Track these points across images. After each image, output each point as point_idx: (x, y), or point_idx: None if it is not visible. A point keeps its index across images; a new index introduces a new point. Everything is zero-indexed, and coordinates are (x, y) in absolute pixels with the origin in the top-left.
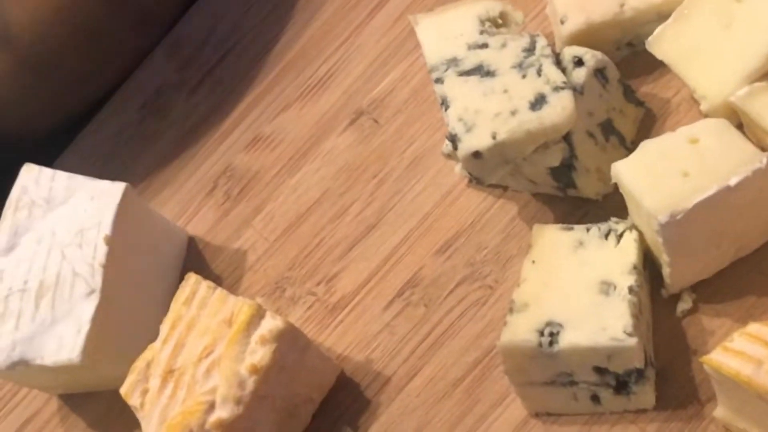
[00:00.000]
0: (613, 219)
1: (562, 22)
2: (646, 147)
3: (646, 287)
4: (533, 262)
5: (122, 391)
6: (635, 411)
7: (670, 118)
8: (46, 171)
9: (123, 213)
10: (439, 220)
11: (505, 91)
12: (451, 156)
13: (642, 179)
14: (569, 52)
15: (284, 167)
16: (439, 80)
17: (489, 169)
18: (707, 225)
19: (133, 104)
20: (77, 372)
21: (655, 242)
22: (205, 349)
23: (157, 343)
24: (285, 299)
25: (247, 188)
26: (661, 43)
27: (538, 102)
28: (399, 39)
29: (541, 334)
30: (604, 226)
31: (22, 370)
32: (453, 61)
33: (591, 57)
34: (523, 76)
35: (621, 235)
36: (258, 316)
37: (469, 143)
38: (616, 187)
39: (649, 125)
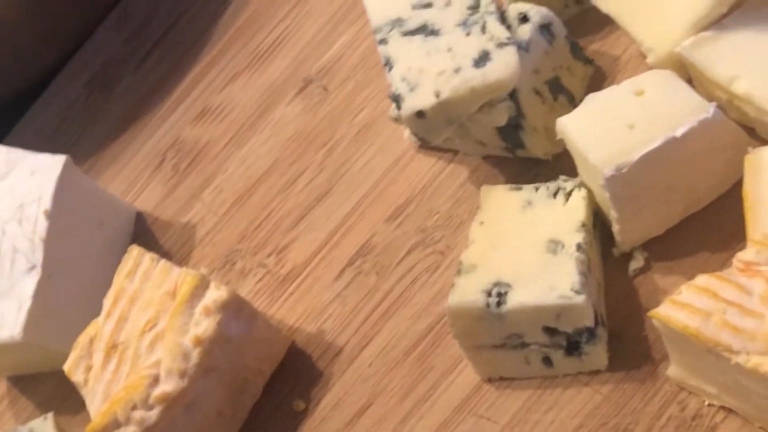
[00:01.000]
0: (562, 177)
1: None
2: (591, 100)
3: (596, 246)
4: (481, 223)
5: (65, 367)
6: (588, 373)
7: (619, 75)
8: None
9: (64, 187)
10: (390, 186)
11: (450, 49)
12: (398, 120)
13: (587, 133)
14: (514, 9)
15: (233, 139)
16: (383, 41)
17: (434, 128)
18: (655, 179)
19: (81, 79)
20: (21, 351)
21: (603, 198)
22: (149, 323)
23: (101, 318)
24: (235, 272)
25: (195, 161)
26: None
27: (482, 59)
28: (347, 5)
29: (489, 294)
30: (552, 185)
31: None
32: (397, 22)
33: (536, 13)
34: (468, 34)
35: (570, 194)
36: (202, 287)
37: (413, 102)
38: (565, 147)
39: (598, 83)
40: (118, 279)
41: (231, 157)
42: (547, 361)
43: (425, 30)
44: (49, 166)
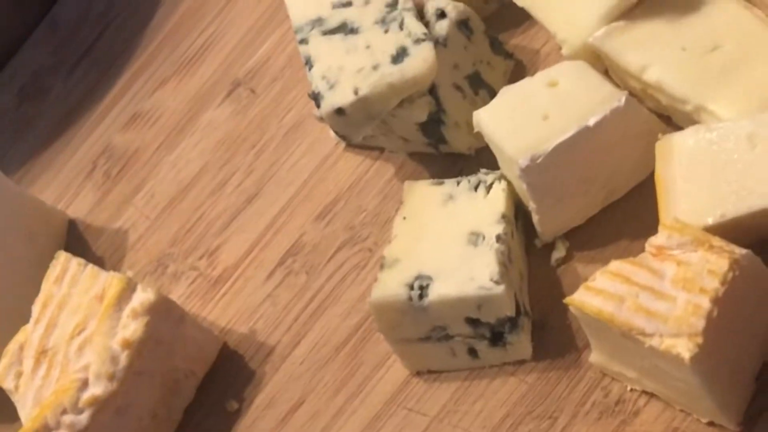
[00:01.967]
0: (483, 171)
1: None
2: (506, 93)
3: (518, 237)
4: (404, 218)
5: None
6: (514, 363)
7: (540, 68)
8: None
9: None
10: (318, 185)
11: (368, 46)
12: (323, 119)
13: (503, 125)
14: (432, 5)
15: (163, 143)
16: (303, 41)
17: (354, 125)
18: (571, 169)
19: (12, 88)
20: None
21: (522, 189)
22: (77, 327)
23: (30, 325)
24: (167, 276)
25: (126, 167)
26: None
27: (400, 55)
28: (272, 7)
29: (411, 287)
30: (473, 179)
31: None
32: (317, 21)
33: (453, 9)
34: (386, 31)
35: (490, 186)
36: (129, 289)
37: (332, 100)
38: None
39: (519, 77)
40: (47, 285)
41: (162, 162)
42: (473, 352)
43: (345, 29)
44: None
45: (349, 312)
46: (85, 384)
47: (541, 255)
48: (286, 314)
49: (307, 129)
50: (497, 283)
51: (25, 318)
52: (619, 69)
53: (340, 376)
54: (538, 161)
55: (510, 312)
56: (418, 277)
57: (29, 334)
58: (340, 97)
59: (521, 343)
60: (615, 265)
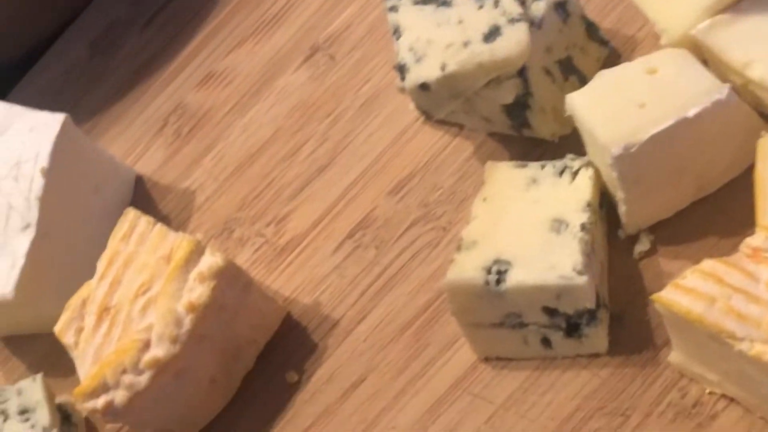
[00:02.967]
0: (569, 156)
1: None
2: (602, 78)
3: (601, 227)
4: (484, 199)
5: (56, 329)
6: (588, 355)
7: (634, 55)
8: None
9: (62, 146)
10: (393, 159)
11: (460, 21)
12: (404, 91)
13: (597, 111)
14: None
15: (236, 105)
16: (393, 8)
17: (437, 102)
18: (664, 160)
19: (84, 40)
20: (12, 310)
21: (611, 178)
22: (142, 286)
23: (94, 280)
24: (233, 240)
25: (197, 127)
26: None
27: (492, 34)
28: None
29: (488, 272)
30: (559, 164)
31: None
32: None
33: None
34: (480, 7)
35: (576, 173)
36: (197, 252)
37: (418, 74)
38: (573, 129)
39: (612, 64)
40: (113, 241)
41: (234, 124)
42: (546, 342)
43: (437, 0)
44: (47, 124)
45: (418, 291)
46: (147, 345)
47: (623, 246)
48: (353, 288)
49: (385, 101)
50: (580, 273)
51: (85, 271)
52: (721, 63)
53: (405, 356)
54: (632, 150)
55: (590, 304)
56: (497, 262)
57: (93, 290)
58: (427, 71)
59: (598, 337)
60: (707, 264)
